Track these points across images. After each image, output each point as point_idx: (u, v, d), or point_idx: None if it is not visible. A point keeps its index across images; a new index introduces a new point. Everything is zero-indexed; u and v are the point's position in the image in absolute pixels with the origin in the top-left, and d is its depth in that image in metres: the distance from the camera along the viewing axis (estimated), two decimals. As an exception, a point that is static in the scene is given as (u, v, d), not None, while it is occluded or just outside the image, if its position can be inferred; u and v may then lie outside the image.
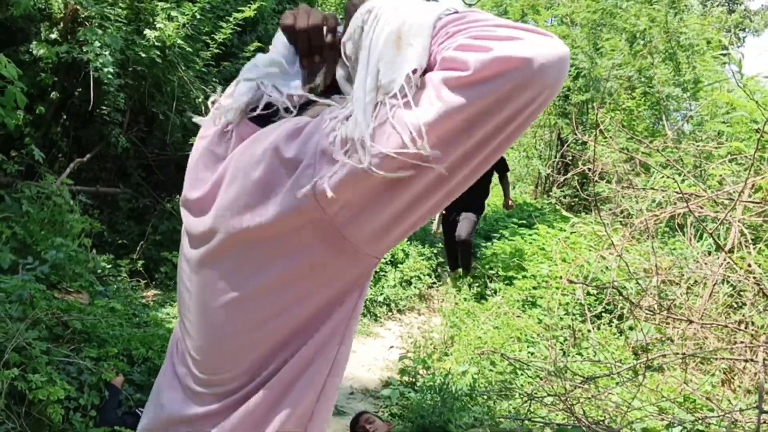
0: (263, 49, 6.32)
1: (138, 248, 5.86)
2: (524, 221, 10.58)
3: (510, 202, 7.32)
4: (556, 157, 13.65)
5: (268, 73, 1.18)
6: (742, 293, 5.23)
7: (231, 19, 6.51)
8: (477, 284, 7.84)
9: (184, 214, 1.20)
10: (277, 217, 0.99)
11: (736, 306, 5.34)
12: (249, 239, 1.05)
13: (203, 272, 1.14)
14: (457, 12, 0.96)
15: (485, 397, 4.37)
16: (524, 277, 7.47)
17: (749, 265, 4.92)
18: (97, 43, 5.03)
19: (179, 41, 5.67)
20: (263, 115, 1.14)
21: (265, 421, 1.10)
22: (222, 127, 1.17)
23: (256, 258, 1.06)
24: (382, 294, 7.28)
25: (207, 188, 1.12)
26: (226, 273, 1.09)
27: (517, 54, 0.83)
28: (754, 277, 4.70)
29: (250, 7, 6.61)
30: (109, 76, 5.07)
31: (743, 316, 5.00)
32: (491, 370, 5.22)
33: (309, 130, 1.02)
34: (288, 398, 1.10)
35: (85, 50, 5.01)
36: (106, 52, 5.06)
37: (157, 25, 5.58)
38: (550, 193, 13.31)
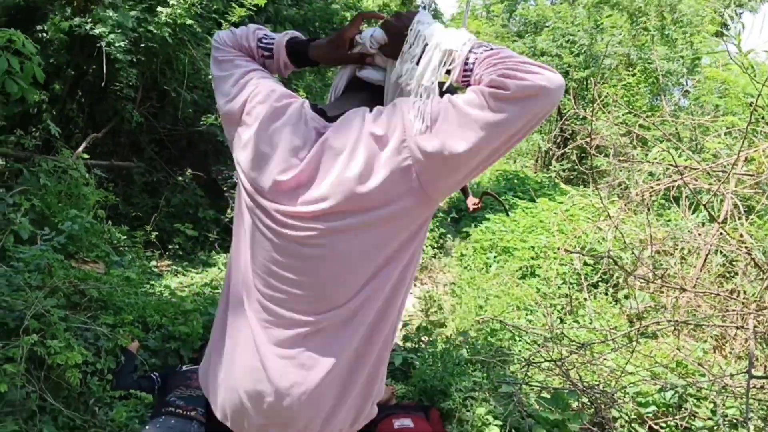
0: (275, 30, 6.25)
1: (152, 220, 5.88)
2: (524, 194, 10.56)
3: (474, 202, 4.82)
4: (555, 132, 13.57)
5: None
6: (734, 263, 5.22)
7: (245, 2, 6.45)
8: (478, 254, 7.85)
9: (274, 195, 1.39)
10: (384, 180, 1.29)
11: (728, 275, 5.34)
12: (364, 208, 1.33)
13: (319, 240, 1.37)
14: (491, 47, 1.33)
15: (484, 363, 4.39)
16: (523, 248, 7.47)
17: (741, 236, 4.90)
18: (109, 22, 4.99)
19: (189, 20, 5.61)
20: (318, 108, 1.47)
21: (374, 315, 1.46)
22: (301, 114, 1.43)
23: (371, 225, 1.34)
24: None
25: (300, 168, 1.36)
26: (345, 239, 1.36)
27: (540, 83, 1.22)
28: (746, 247, 4.68)
29: None
30: (120, 52, 5.03)
31: (735, 285, 4.99)
32: (491, 337, 5.25)
33: (388, 111, 1.35)
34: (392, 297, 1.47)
35: (93, 23, 4.96)
36: (119, 30, 5.02)
37: (170, 2, 5.52)
38: (550, 167, 13.26)
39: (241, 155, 1.45)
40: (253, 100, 1.45)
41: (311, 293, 1.42)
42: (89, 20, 5.05)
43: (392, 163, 1.30)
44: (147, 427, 2.86)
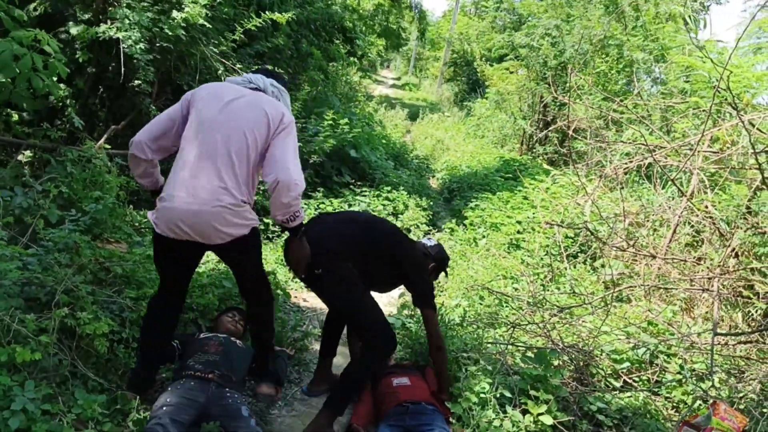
0: (279, 32, 6.15)
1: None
2: (510, 175, 10.54)
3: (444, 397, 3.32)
4: (538, 118, 13.53)
5: None
6: (700, 233, 5.23)
7: (264, 16, 6.42)
8: (468, 230, 7.85)
9: None
10: None
11: (695, 244, 5.35)
12: None
13: None
14: None
15: (475, 326, 4.41)
16: (510, 223, 7.47)
17: (707, 208, 4.90)
18: (126, 21, 4.95)
19: (201, 20, 5.57)
20: None
21: None
22: None
23: None
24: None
25: None
26: None
27: None
28: (711, 218, 4.68)
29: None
30: (140, 51, 5.00)
31: (701, 252, 5.00)
32: (480, 303, 5.27)
33: None
34: None
35: (116, 28, 4.93)
36: (135, 30, 4.98)
37: (185, 9, 5.48)
38: (534, 150, 13.23)
39: None
40: None
41: None
42: (112, 26, 5.00)
43: None
44: (169, 388, 2.88)
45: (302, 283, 5.52)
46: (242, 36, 6.37)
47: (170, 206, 2.59)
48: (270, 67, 4.07)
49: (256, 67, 4.96)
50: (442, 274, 3.63)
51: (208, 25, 5.79)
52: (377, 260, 3.13)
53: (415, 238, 7.60)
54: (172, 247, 2.69)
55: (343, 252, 3.01)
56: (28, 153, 4.81)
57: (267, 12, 7.29)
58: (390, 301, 5.49)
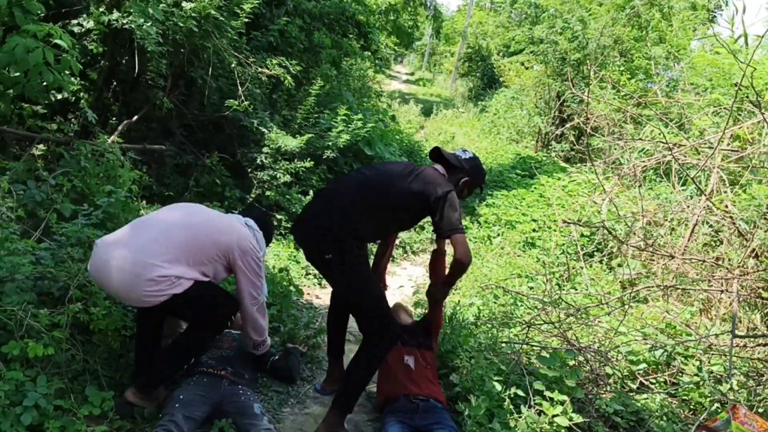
0: (292, 23, 6.14)
1: (183, 198, 5.89)
2: (526, 172, 10.48)
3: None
4: (554, 114, 13.43)
5: None
6: (719, 232, 5.17)
7: None
8: (483, 228, 7.82)
9: None
10: None
11: (714, 244, 5.29)
12: None
13: None
14: None
15: (489, 325, 4.39)
16: (525, 221, 7.44)
17: (726, 207, 4.84)
18: (140, 17, 4.97)
19: (212, 12, 5.57)
20: None
21: None
22: None
23: None
24: (398, 239, 7.29)
25: None
26: None
27: None
28: (731, 218, 4.63)
29: None
30: (153, 44, 5.01)
31: (720, 252, 4.95)
32: (495, 302, 5.25)
33: None
34: None
35: (130, 19, 4.94)
36: (149, 23, 5.00)
37: None
38: (550, 147, 13.15)
39: None
40: None
41: None
42: (124, 14, 5.02)
43: None
44: (182, 385, 2.89)
45: (314, 280, 5.54)
46: (248, 20, 6.33)
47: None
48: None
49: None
50: (477, 189, 3.43)
51: (219, 17, 5.80)
52: (393, 209, 3.08)
53: (428, 234, 7.60)
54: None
55: (350, 228, 2.94)
56: (41, 147, 4.85)
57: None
58: (403, 299, 5.49)
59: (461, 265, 3.00)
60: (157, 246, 2.67)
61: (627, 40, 10.59)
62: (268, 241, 3.30)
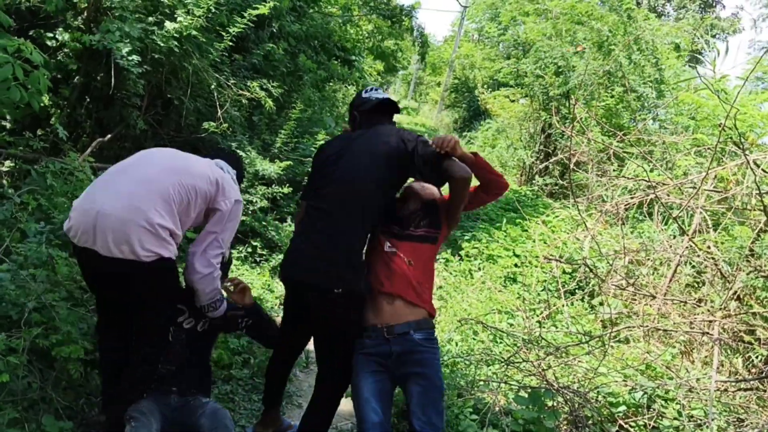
0: (277, 45, 6.17)
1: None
2: (509, 206, 10.58)
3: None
4: (539, 149, 13.63)
5: None
6: (702, 273, 5.25)
7: (246, 14, 6.44)
8: (464, 261, 7.85)
9: None
10: None
11: (696, 285, 5.37)
12: None
13: None
14: None
15: (467, 362, 4.39)
16: (507, 256, 7.48)
17: (709, 248, 4.93)
18: (117, 33, 4.98)
19: (194, 32, 5.61)
20: None
21: None
22: None
23: None
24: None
25: None
26: None
27: None
28: (713, 259, 4.71)
29: (265, 5, 6.52)
30: (132, 64, 5.02)
31: (702, 294, 5.02)
32: (474, 338, 5.25)
33: None
34: None
35: (108, 39, 4.95)
36: (127, 41, 5.01)
37: (178, 19, 5.52)
38: (533, 181, 13.31)
39: None
40: None
41: None
42: (105, 36, 5.02)
43: None
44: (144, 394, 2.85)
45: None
46: (232, 43, 6.38)
47: None
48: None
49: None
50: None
51: (201, 38, 5.84)
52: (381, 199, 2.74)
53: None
54: None
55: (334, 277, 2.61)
56: (8, 163, 4.80)
57: (265, 29, 7.38)
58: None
59: (465, 181, 2.68)
60: (144, 191, 2.58)
61: (614, 76, 10.85)
62: (239, 182, 3.20)
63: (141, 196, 2.57)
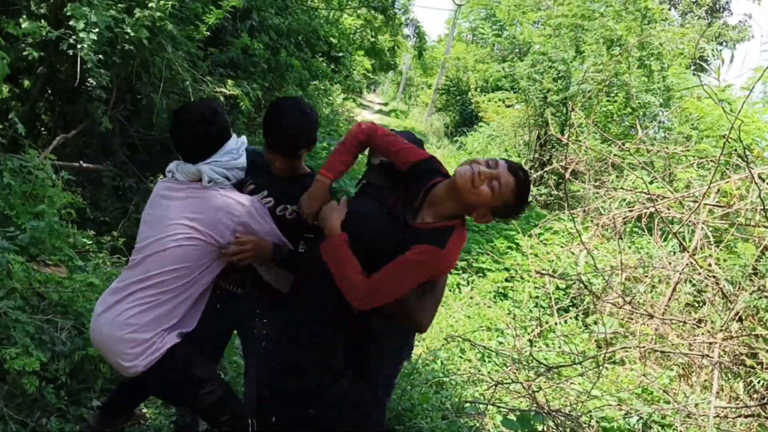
0: (257, 40, 6.10)
1: (120, 225, 5.79)
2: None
3: None
4: (534, 157, 13.72)
5: None
6: (702, 292, 5.30)
7: (223, 4, 6.42)
8: (452, 274, 7.86)
9: None
10: None
11: (696, 305, 5.41)
12: None
13: None
14: None
15: (453, 382, 4.39)
16: (497, 269, 7.51)
17: (710, 266, 4.98)
18: (81, 21, 4.92)
19: (168, 24, 5.57)
20: None
21: None
22: None
23: None
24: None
25: None
26: None
27: None
28: (715, 278, 4.75)
29: None
30: (90, 53, 4.95)
31: (702, 314, 5.06)
32: (461, 357, 5.25)
33: None
34: None
35: (69, 26, 4.89)
36: (94, 30, 4.97)
37: (149, 5, 5.47)
38: (527, 191, 13.37)
39: None
40: None
41: None
42: (67, 32, 4.97)
43: None
44: None
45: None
46: (208, 33, 6.32)
47: None
48: None
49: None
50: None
51: (174, 30, 5.80)
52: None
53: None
54: None
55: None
56: (-38, 159, 4.74)
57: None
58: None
59: None
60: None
61: (615, 83, 10.96)
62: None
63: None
